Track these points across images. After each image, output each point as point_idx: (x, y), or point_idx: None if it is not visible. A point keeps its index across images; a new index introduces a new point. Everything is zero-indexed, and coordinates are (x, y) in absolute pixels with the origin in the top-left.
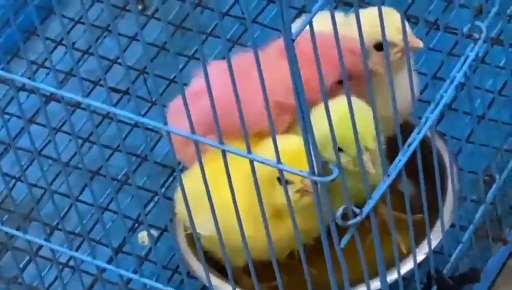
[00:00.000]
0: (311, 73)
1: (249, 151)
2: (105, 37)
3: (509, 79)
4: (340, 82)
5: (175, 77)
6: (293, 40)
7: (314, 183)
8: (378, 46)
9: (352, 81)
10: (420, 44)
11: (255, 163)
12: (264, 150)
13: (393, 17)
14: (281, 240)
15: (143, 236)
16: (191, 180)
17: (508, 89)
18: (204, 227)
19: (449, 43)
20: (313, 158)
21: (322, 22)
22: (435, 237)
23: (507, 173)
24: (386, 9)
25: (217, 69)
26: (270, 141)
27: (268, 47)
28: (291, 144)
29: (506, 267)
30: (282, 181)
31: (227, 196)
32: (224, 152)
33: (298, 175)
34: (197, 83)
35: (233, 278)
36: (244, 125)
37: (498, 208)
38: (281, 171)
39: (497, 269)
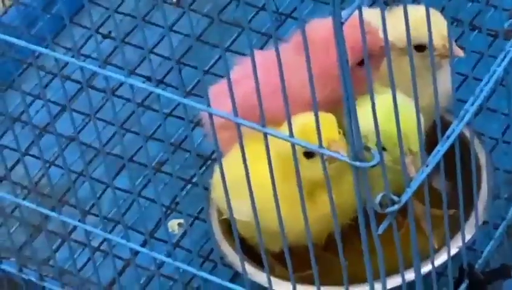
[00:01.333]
0: (328, 60)
1: (291, 135)
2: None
3: None
4: (360, 63)
5: (210, 68)
6: (342, 23)
7: (355, 168)
8: (418, 47)
9: (371, 60)
10: (461, 53)
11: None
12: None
13: (438, 21)
14: (316, 223)
15: (173, 225)
16: (226, 165)
17: None
18: (241, 212)
19: (482, 45)
20: (355, 143)
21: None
22: (468, 233)
23: None
24: (431, 11)
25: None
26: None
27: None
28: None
29: None
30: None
31: (262, 180)
32: (265, 135)
33: (340, 160)
34: (235, 72)
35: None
36: (288, 109)
37: None
38: (321, 155)
39: None
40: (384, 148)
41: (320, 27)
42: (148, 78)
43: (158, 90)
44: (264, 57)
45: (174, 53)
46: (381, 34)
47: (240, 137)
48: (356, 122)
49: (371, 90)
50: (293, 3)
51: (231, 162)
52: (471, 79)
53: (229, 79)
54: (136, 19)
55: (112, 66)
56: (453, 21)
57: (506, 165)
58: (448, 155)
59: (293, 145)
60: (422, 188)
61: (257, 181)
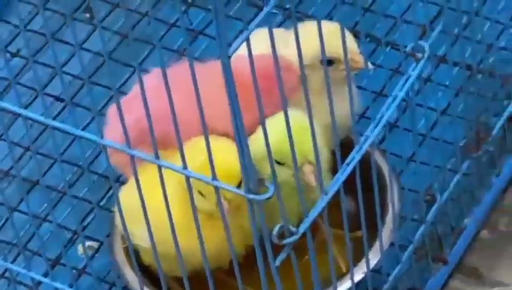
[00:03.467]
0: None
1: (185, 167)
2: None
3: (453, 99)
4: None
5: (120, 86)
6: (229, 57)
7: (249, 201)
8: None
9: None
10: (361, 64)
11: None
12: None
13: (340, 34)
14: (217, 247)
15: (83, 248)
16: (129, 191)
17: (451, 108)
18: (142, 238)
19: (396, 61)
20: (249, 176)
21: (262, 38)
22: (374, 256)
23: (448, 193)
24: (333, 25)
25: (155, 77)
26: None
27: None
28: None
29: (446, 287)
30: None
31: (163, 207)
32: (160, 167)
33: (234, 192)
34: (134, 91)
35: None
36: (180, 138)
37: (439, 228)
38: (216, 188)
39: (438, 288)
40: (281, 163)
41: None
42: (59, 99)
43: (50, 122)
44: (173, 76)
45: (85, 70)
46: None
47: (134, 167)
48: (249, 155)
49: (262, 119)
50: (206, 19)
51: (133, 188)
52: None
53: (119, 107)
54: (45, 36)
55: (21, 85)
56: (367, 36)
57: (414, 185)
58: (355, 175)
59: (187, 178)
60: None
61: (158, 206)
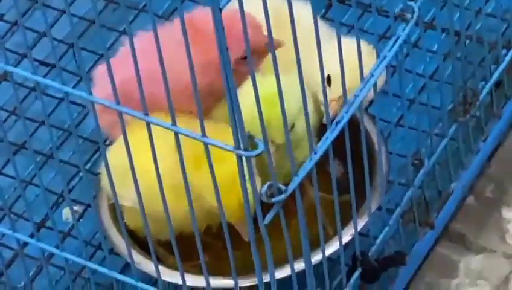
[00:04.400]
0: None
1: (174, 124)
2: (35, 9)
3: (441, 64)
4: (243, 58)
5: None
6: (221, 10)
7: (239, 157)
8: None
9: (255, 55)
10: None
11: (182, 140)
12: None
13: None
14: (200, 213)
15: (68, 212)
16: (116, 151)
17: (439, 74)
18: (127, 198)
19: (383, 27)
20: (238, 132)
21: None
22: (362, 220)
23: (436, 157)
24: None
25: (139, 41)
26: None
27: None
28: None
29: (432, 253)
30: (208, 158)
31: (151, 167)
32: (148, 124)
33: (223, 149)
34: (121, 53)
35: (156, 255)
36: (170, 96)
37: (426, 193)
38: (206, 144)
39: (424, 253)
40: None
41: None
42: (43, 63)
43: (38, 78)
44: (147, 40)
45: (70, 36)
46: (265, 29)
47: (123, 124)
48: (239, 110)
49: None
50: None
51: (120, 148)
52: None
53: (109, 65)
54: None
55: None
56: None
57: (402, 150)
58: (343, 138)
59: (176, 135)
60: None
61: (145, 167)
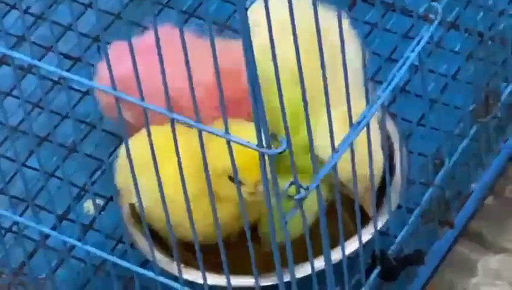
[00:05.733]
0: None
1: (198, 121)
2: (60, 3)
3: (463, 64)
4: None
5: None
6: (246, 9)
7: (262, 155)
8: None
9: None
10: None
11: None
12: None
13: None
14: (221, 220)
15: (88, 205)
16: (134, 148)
17: (461, 74)
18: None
19: (406, 26)
20: (262, 130)
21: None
22: (382, 218)
23: (456, 157)
24: None
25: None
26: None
27: None
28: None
29: (451, 252)
30: (235, 179)
31: (170, 169)
32: (172, 120)
33: (246, 146)
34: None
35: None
36: (194, 94)
37: (446, 192)
38: (229, 142)
39: (443, 253)
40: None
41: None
42: (67, 56)
43: (64, 73)
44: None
45: (94, 29)
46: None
47: (147, 120)
48: (262, 107)
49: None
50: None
51: (139, 146)
52: (390, 62)
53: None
54: None
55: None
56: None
57: (423, 149)
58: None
59: (199, 131)
60: None
61: (167, 168)
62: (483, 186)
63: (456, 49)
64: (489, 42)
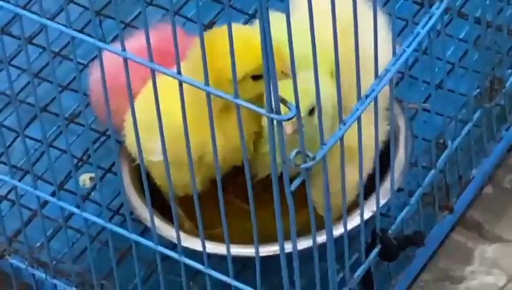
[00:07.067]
0: None
1: (206, 84)
2: None
3: (470, 51)
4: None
5: (131, 21)
6: None
7: (271, 121)
8: None
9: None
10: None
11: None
12: None
13: None
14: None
15: (84, 178)
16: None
17: (466, 61)
18: (153, 152)
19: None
20: (272, 95)
21: None
22: (383, 198)
23: (459, 141)
24: None
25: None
26: None
27: None
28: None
29: (449, 240)
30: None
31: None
32: (181, 83)
33: (255, 111)
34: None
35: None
36: (205, 56)
37: (447, 177)
38: (237, 106)
39: (440, 238)
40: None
41: None
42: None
43: (77, 34)
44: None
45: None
46: None
47: (154, 81)
48: (274, 74)
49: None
50: None
51: (141, 107)
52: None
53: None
54: None
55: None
56: None
57: (426, 133)
58: None
59: (207, 95)
60: None
61: (168, 113)
62: (483, 173)
63: (461, 36)
64: (496, 31)
